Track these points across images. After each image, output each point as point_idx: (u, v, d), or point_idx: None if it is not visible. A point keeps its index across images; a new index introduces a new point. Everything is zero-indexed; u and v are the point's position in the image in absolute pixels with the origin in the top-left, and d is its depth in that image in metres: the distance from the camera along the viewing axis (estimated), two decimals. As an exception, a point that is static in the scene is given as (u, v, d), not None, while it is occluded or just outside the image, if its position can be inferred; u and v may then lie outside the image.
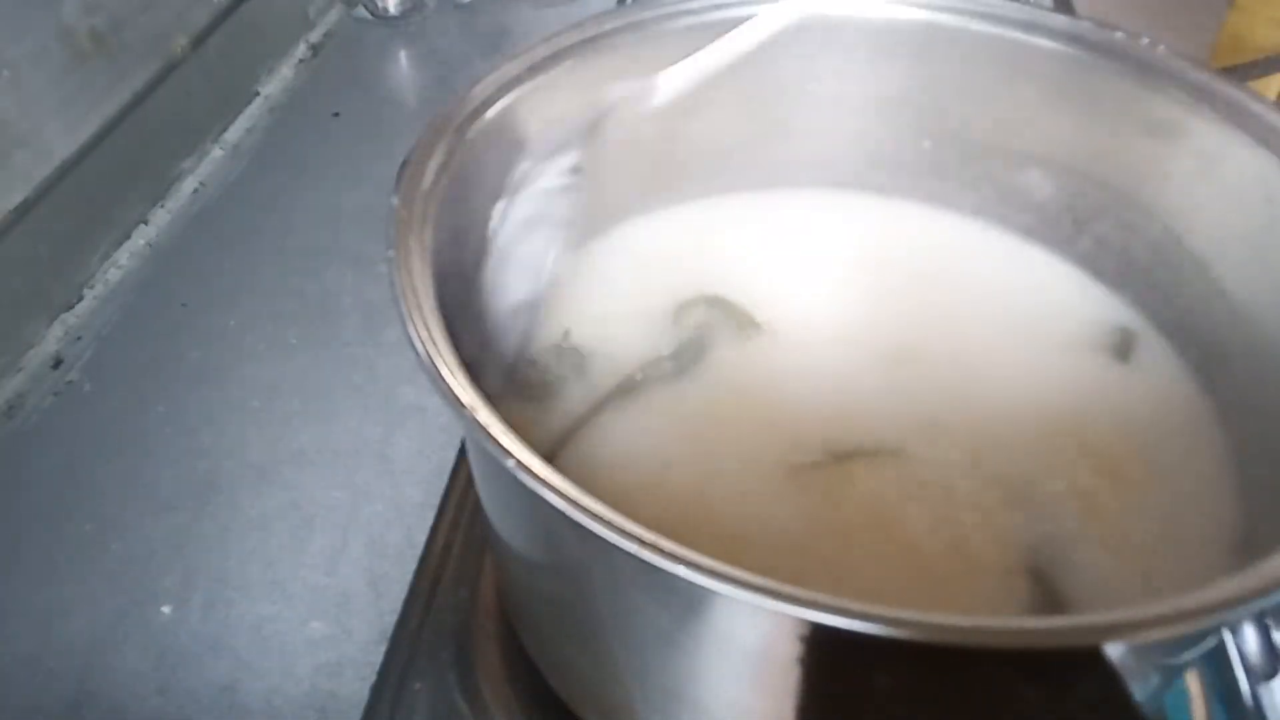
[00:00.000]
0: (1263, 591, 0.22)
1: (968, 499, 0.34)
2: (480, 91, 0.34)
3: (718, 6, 0.39)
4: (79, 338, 0.53)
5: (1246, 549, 0.32)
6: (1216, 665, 0.37)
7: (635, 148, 0.42)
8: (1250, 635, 0.36)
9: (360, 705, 0.37)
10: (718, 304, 0.41)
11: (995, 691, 0.24)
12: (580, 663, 0.32)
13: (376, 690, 0.38)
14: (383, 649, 0.39)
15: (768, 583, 0.21)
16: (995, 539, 0.33)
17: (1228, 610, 0.22)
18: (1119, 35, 0.37)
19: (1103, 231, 0.41)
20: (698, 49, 0.40)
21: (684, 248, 0.44)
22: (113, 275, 0.57)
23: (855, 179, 0.45)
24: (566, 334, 0.40)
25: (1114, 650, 0.22)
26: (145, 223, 0.60)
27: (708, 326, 0.40)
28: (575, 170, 0.40)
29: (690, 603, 0.24)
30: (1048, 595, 0.31)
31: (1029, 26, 0.38)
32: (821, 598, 0.20)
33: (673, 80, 0.38)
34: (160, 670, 0.39)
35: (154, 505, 0.45)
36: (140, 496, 0.45)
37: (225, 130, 0.67)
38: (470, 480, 0.44)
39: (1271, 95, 0.35)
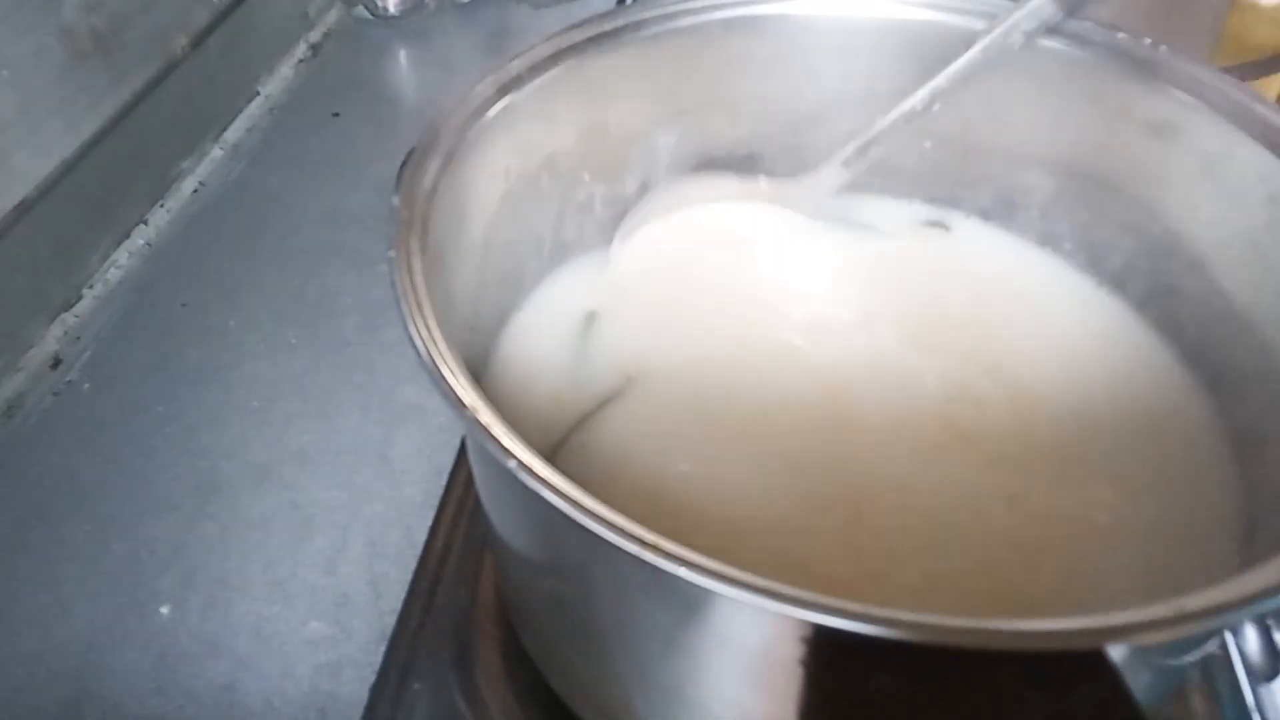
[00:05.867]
0: (1265, 594, 0.22)
1: (966, 496, 0.34)
2: (481, 91, 0.34)
3: (718, 6, 0.39)
4: (78, 338, 0.53)
5: (1248, 550, 0.32)
6: (1218, 666, 0.37)
7: (635, 149, 0.42)
8: (1251, 636, 0.36)
9: (360, 705, 0.37)
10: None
11: (997, 693, 0.24)
12: (580, 663, 0.32)
13: (376, 690, 0.38)
14: (382, 649, 0.39)
15: (768, 584, 0.20)
16: (997, 541, 0.33)
17: (1229, 613, 0.22)
18: (1120, 35, 0.37)
19: (1103, 231, 0.41)
20: (697, 49, 0.40)
21: (680, 251, 0.43)
22: (112, 275, 0.57)
23: (854, 179, 0.45)
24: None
25: (1116, 652, 0.22)
26: (145, 222, 0.60)
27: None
28: (576, 170, 0.40)
29: (690, 603, 0.24)
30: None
31: (1030, 26, 0.38)
32: (822, 599, 0.20)
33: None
34: (159, 670, 0.39)
35: (153, 505, 0.45)
36: (140, 496, 0.45)
37: (225, 130, 0.67)
38: (470, 480, 0.44)
39: (1272, 95, 0.35)
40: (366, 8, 0.78)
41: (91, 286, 0.56)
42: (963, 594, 0.31)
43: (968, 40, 0.38)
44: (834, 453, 0.35)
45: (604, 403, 0.38)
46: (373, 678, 0.38)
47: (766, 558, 0.32)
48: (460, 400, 0.24)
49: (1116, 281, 0.41)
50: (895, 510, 0.34)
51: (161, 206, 0.61)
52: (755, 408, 0.37)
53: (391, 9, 0.78)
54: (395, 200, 0.30)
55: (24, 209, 0.50)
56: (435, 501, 0.44)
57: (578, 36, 0.37)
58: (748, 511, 0.34)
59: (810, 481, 0.35)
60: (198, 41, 0.63)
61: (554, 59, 0.36)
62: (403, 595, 0.40)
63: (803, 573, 0.32)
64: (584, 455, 0.36)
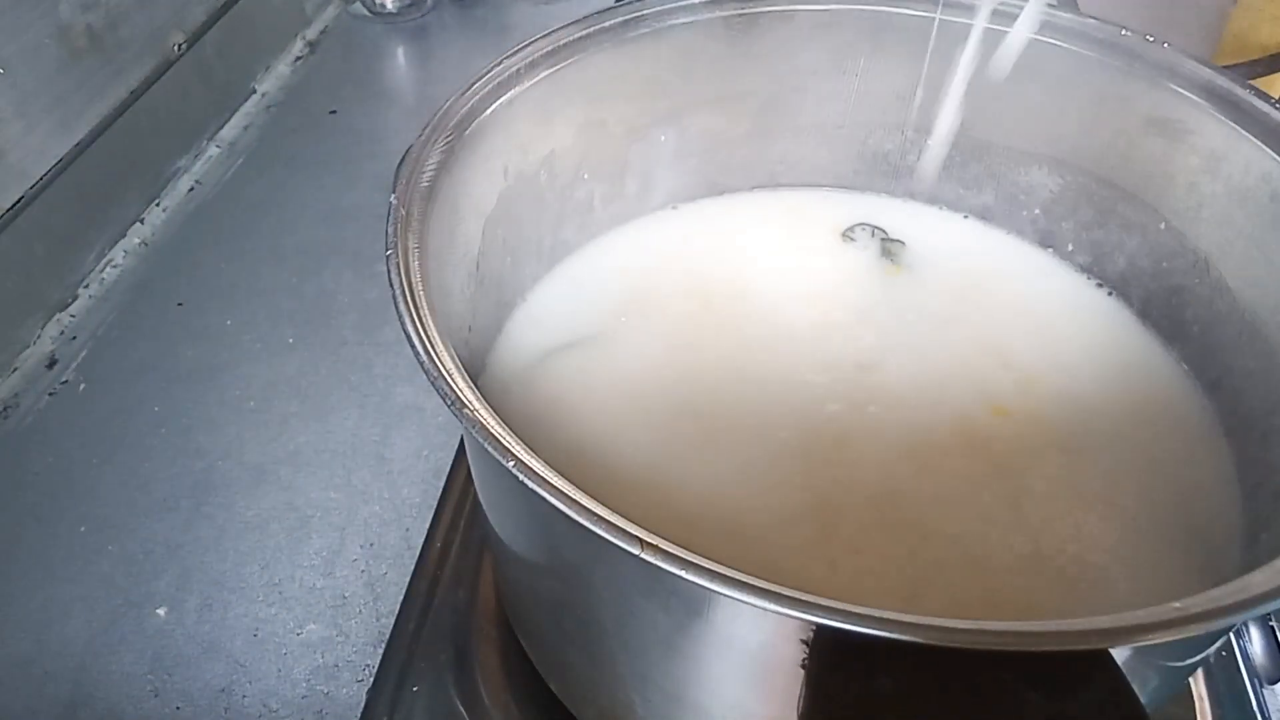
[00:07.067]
0: (1269, 595, 0.22)
1: (971, 504, 0.34)
2: (479, 88, 0.34)
3: (716, 3, 0.39)
4: (74, 337, 0.53)
5: (1251, 552, 0.32)
6: (1223, 669, 0.37)
7: (635, 147, 0.42)
8: (1256, 638, 0.36)
9: (357, 708, 0.37)
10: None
11: (1001, 696, 0.23)
12: (580, 665, 0.32)
13: (373, 693, 0.37)
14: (380, 651, 0.39)
15: (770, 585, 0.20)
16: (998, 549, 0.33)
17: (1234, 614, 0.21)
18: (1124, 33, 0.37)
19: (1106, 231, 0.40)
20: (697, 46, 0.40)
21: (680, 250, 0.43)
22: (108, 274, 0.56)
23: (855, 176, 0.45)
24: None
25: (1120, 654, 0.22)
26: (141, 221, 0.59)
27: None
28: (575, 168, 0.40)
29: (692, 605, 0.24)
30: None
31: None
32: (824, 601, 0.20)
33: None
34: (156, 673, 0.39)
35: (149, 506, 0.44)
36: (136, 497, 0.45)
37: (221, 128, 0.67)
38: (468, 481, 0.44)
39: (1275, 93, 0.35)
40: (364, 4, 0.78)
41: (87, 286, 0.55)
42: (956, 602, 0.31)
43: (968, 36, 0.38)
44: (822, 459, 0.35)
45: (582, 339, 0.38)
46: (370, 680, 0.38)
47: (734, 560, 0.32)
48: (459, 400, 0.24)
49: (1120, 282, 0.41)
50: (884, 521, 0.33)
51: (157, 205, 0.61)
52: (736, 403, 0.37)
53: (389, 6, 0.78)
54: (393, 198, 0.30)
55: (19, 208, 0.50)
56: (433, 502, 0.44)
57: (577, 33, 0.37)
58: (710, 501, 0.33)
59: (786, 488, 0.34)
60: (194, 39, 0.63)
61: (553, 56, 0.36)
62: (400, 597, 0.40)
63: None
64: (545, 382, 0.36)
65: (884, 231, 0.43)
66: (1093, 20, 0.37)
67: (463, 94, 0.34)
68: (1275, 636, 0.35)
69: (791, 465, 0.34)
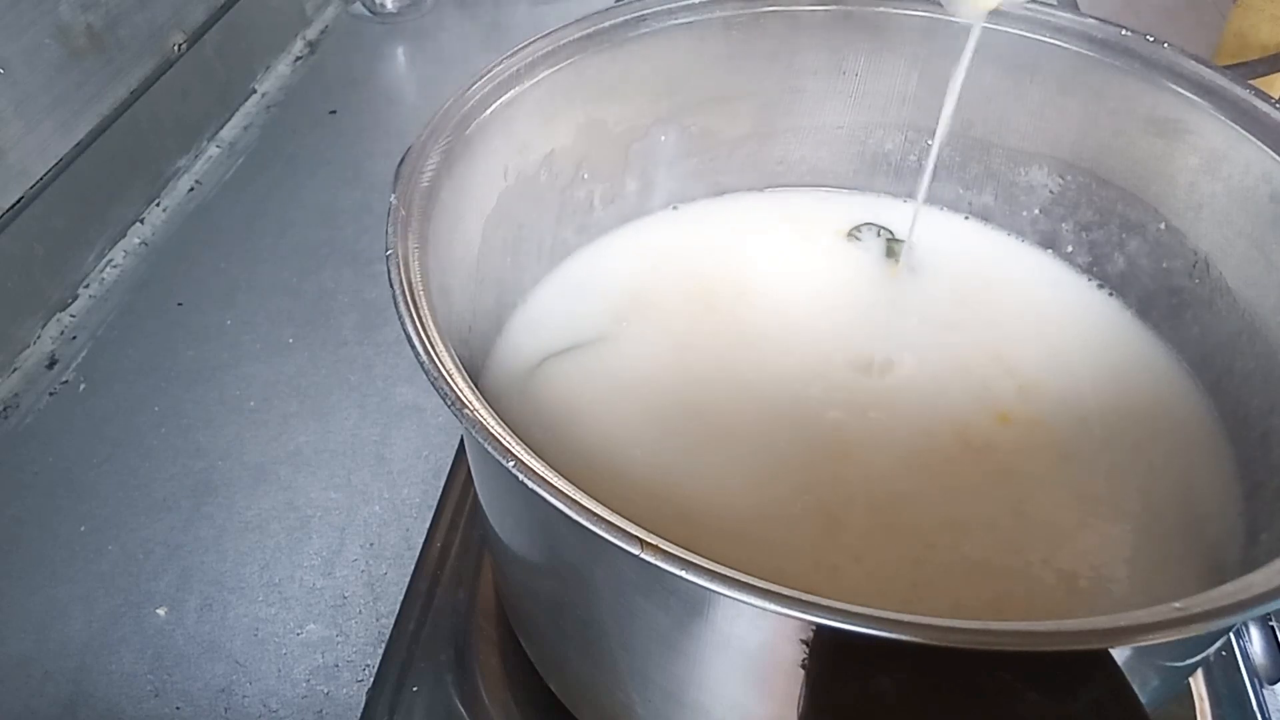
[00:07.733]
0: (1269, 595, 0.22)
1: (974, 507, 0.34)
2: (479, 88, 0.34)
3: (716, 3, 0.39)
4: (74, 337, 0.53)
5: (1251, 552, 0.32)
6: (1222, 668, 0.37)
7: (635, 147, 0.42)
8: (1256, 638, 0.36)
9: (357, 708, 0.37)
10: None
11: (1000, 695, 0.23)
12: (580, 665, 0.32)
13: (373, 693, 0.37)
14: (380, 651, 0.39)
15: (770, 585, 0.20)
16: (1001, 551, 0.33)
17: (1234, 614, 0.21)
18: (1124, 33, 0.37)
19: (1106, 231, 0.40)
20: (697, 46, 0.40)
21: (681, 252, 0.43)
22: (108, 274, 0.56)
23: (855, 176, 0.45)
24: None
25: (1120, 654, 0.22)
26: (141, 221, 0.59)
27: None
28: (576, 169, 0.40)
29: (692, 605, 0.24)
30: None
31: (1034, 24, 0.38)
32: (824, 600, 0.20)
33: None
34: (156, 672, 0.39)
35: (149, 506, 0.44)
36: (136, 497, 0.45)
37: (222, 128, 0.67)
38: (468, 481, 0.44)
39: (1276, 93, 0.35)
40: (364, 5, 0.78)
41: (87, 285, 0.55)
42: (960, 608, 0.31)
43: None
44: (825, 464, 0.35)
45: (583, 342, 0.38)
46: (370, 680, 0.38)
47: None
48: (459, 400, 0.24)
49: (1119, 282, 0.41)
50: (887, 526, 0.33)
51: (158, 205, 0.61)
52: (737, 406, 0.37)
53: (389, 6, 0.78)
54: (393, 198, 0.30)
55: (19, 208, 0.50)
56: (433, 502, 0.44)
57: (576, 33, 0.37)
58: (713, 506, 0.33)
59: (788, 494, 0.34)
60: (194, 39, 0.63)
61: (553, 56, 0.36)
62: (400, 597, 0.40)
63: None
64: (545, 386, 0.36)
65: (889, 231, 0.43)
66: (1093, 20, 0.37)
67: (463, 94, 0.34)
68: (1275, 636, 0.35)
69: (794, 471, 0.34)
